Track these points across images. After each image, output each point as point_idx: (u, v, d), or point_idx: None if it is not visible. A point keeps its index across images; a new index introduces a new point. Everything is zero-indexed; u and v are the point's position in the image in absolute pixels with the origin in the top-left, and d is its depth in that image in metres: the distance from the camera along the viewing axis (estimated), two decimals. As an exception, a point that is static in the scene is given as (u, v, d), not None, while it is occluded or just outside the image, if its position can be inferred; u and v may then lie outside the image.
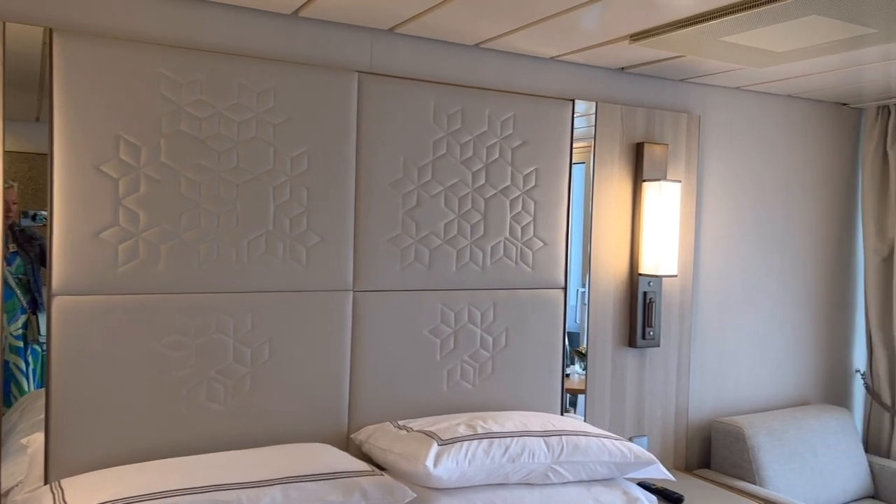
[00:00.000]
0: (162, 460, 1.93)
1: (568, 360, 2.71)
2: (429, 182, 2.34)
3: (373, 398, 2.29)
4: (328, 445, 2.10)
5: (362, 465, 1.95)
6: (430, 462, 1.94)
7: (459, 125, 2.38)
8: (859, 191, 3.36)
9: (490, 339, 2.49)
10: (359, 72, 2.23)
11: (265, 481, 1.78)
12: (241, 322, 2.08)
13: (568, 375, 2.72)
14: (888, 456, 3.16)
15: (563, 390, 2.64)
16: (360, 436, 2.22)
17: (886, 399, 3.19)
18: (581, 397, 2.72)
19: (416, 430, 2.12)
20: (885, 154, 3.22)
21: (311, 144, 2.15)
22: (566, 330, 2.69)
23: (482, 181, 2.44)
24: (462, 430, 2.09)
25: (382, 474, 1.93)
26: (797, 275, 3.22)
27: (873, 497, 3.04)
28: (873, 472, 3.06)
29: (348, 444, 2.26)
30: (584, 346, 2.72)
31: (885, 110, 3.20)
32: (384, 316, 2.29)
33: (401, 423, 2.23)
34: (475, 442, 2.05)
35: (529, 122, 2.51)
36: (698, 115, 2.90)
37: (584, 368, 2.73)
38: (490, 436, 2.09)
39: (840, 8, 1.86)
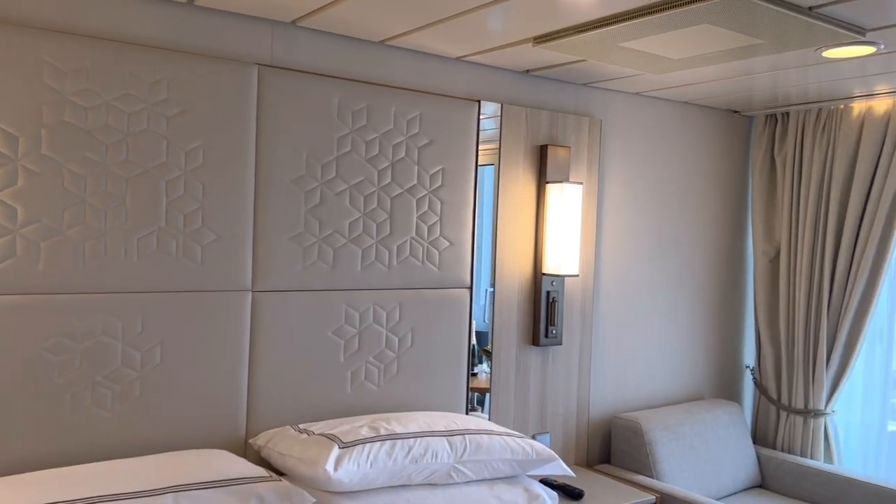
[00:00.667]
0: (43, 471, 1.80)
1: (476, 359, 2.73)
2: (333, 179, 2.30)
3: (273, 402, 2.23)
4: (224, 451, 2.02)
5: (259, 471, 1.89)
6: (330, 465, 1.90)
7: (365, 122, 2.35)
8: (749, 195, 3.53)
9: (395, 340, 2.47)
10: (259, 64, 2.16)
11: (155, 490, 1.70)
12: (130, 324, 1.98)
13: (476, 374, 2.73)
14: (774, 447, 3.33)
15: (469, 390, 2.65)
16: (259, 441, 2.15)
17: (773, 393, 3.37)
18: (488, 396, 2.74)
19: (318, 434, 2.07)
20: (773, 160, 3.40)
21: (208, 138, 2.07)
22: (475, 329, 2.70)
23: (388, 179, 2.41)
24: (364, 433, 2.06)
25: (280, 479, 1.88)
26: (692, 275, 3.35)
27: (760, 486, 3.20)
28: (760, 463, 3.22)
29: (246, 450, 2.19)
30: (486, 347, 2.74)
31: (772, 118, 3.38)
32: (285, 317, 2.23)
33: (302, 426, 2.18)
34: (377, 444, 2.02)
35: (436, 121, 2.50)
36: (600, 119, 2.97)
37: (487, 367, 2.75)
38: (393, 437, 2.07)
39: (730, 18, 1.94)
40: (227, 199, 2.11)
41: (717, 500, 2.96)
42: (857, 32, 2.06)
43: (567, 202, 2.74)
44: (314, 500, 1.88)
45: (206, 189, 2.07)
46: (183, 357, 2.06)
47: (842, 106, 3.12)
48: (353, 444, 1.99)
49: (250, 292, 2.17)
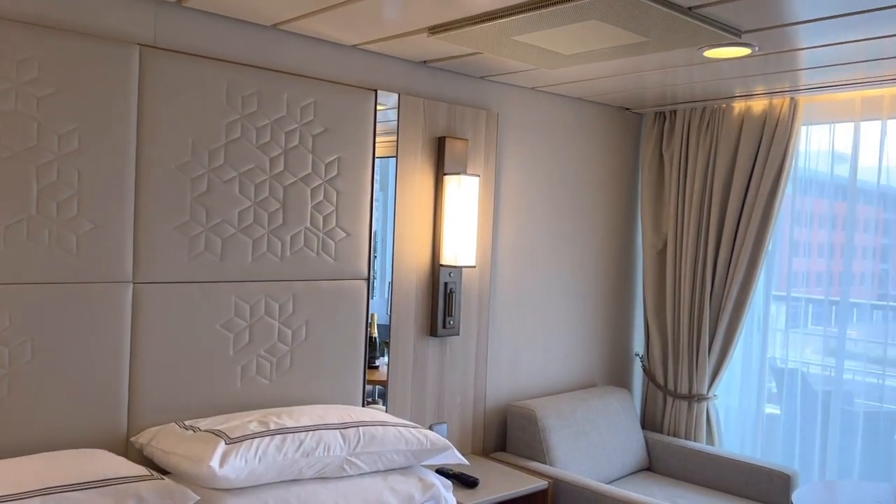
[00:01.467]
0: None
1: (378, 351, 2.71)
2: (221, 167, 2.22)
3: (156, 398, 2.13)
4: (101, 450, 1.92)
5: (139, 470, 1.81)
6: (215, 462, 1.84)
7: (255, 108, 2.28)
8: (639, 190, 3.67)
9: (289, 333, 2.41)
10: (141, 45, 2.06)
11: (22, 494, 1.59)
12: (-5, 318, 1.85)
13: (377, 367, 2.71)
14: (661, 431, 3.48)
15: (365, 382, 2.63)
16: (142, 439, 2.06)
17: (660, 379, 3.52)
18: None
19: (204, 430, 2.00)
20: (661, 156, 3.54)
21: (84, 121, 1.96)
22: (378, 322, 2.68)
23: (281, 168, 2.36)
24: (253, 427, 2.01)
25: (162, 478, 1.80)
26: (585, 267, 3.45)
27: (648, 469, 3.34)
28: (648, 446, 3.36)
29: (128, 449, 2.09)
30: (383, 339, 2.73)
31: (661, 116, 3.52)
32: (170, 309, 2.14)
33: (188, 423, 2.10)
34: (267, 438, 1.97)
35: (331, 109, 2.46)
36: (497, 113, 3.01)
37: (383, 359, 2.74)
38: (283, 431, 2.02)
39: (616, 15, 2.00)
40: (105, 185, 2.00)
41: (607, 483, 3.06)
42: (733, 34, 2.16)
43: (464, 194, 2.76)
44: (198, 499, 1.81)
45: (81, 175, 1.96)
46: (57, 352, 1.94)
47: (724, 105, 3.28)
48: (241, 439, 1.93)
49: (131, 284, 2.07)
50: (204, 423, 2.06)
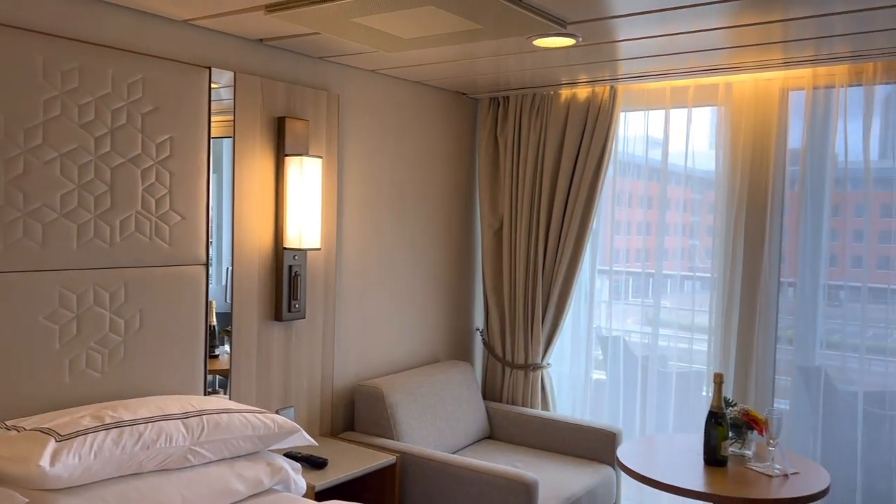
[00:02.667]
0: None
1: (218, 340, 2.63)
2: (40, 146, 2.06)
3: (-29, 399, 1.95)
4: None
5: (-45, 477, 1.65)
6: (44, 461, 1.72)
7: (77, 84, 2.13)
8: (477, 172, 3.81)
9: (122, 322, 2.29)
10: (-62, 10, 1.85)
11: None
12: None
13: (217, 356, 2.64)
14: (500, 400, 3.67)
15: (206, 371, 2.55)
16: (-45, 444, 1.88)
17: (499, 351, 3.70)
18: (220, 378, 2.66)
19: (30, 429, 1.87)
20: (496, 140, 3.70)
21: None
22: (217, 310, 2.60)
23: (107, 148, 2.22)
24: (87, 423, 1.90)
25: (-17, 483, 1.66)
26: (427, 247, 3.55)
27: (490, 437, 3.51)
28: (489, 415, 3.53)
29: (-62, 457, 1.89)
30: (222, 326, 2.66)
31: (495, 101, 3.68)
32: (-16, 302, 1.96)
33: (10, 423, 1.94)
34: (102, 433, 1.87)
35: (161, 87, 2.35)
36: (337, 94, 3.00)
37: (224, 348, 2.67)
38: (120, 425, 1.93)
39: (452, 2, 2.07)
40: None
41: (452, 453, 3.19)
42: (559, 24, 2.31)
43: (307, 176, 2.74)
44: (27, 501, 1.69)
45: None
46: None
47: (552, 92, 3.48)
48: (74, 435, 1.82)
49: (-64, 275, 1.87)
50: (29, 422, 1.92)
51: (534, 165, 3.54)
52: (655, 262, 3.49)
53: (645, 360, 3.56)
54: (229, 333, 2.65)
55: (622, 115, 3.45)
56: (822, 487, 2.36)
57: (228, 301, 2.64)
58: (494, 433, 3.51)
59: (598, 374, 3.81)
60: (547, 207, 3.51)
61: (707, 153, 3.35)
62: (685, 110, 3.31)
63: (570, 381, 3.77)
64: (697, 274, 3.48)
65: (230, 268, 2.64)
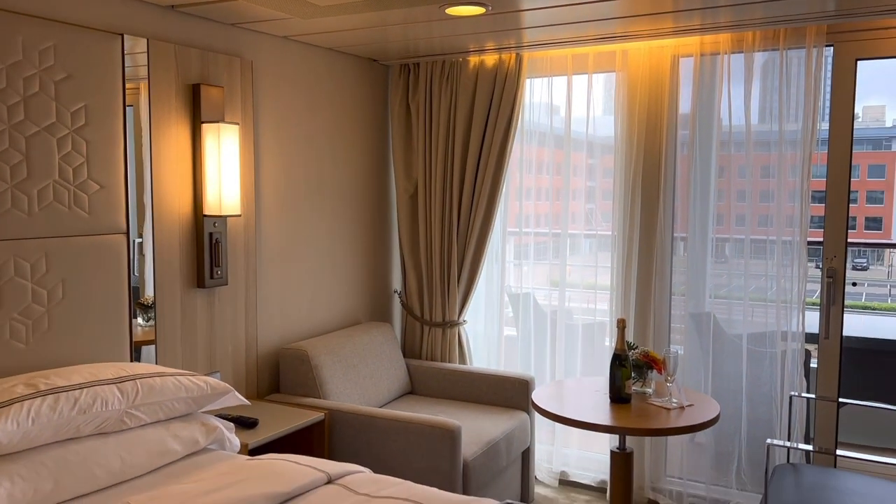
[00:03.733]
0: None
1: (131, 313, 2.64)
2: (-50, 116, 2.01)
3: None
4: None
5: None
6: (-17, 428, 1.74)
7: (-14, 51, 2.08)
8: (391, 138, 3.91)
9: (44, 293, 2.28)
10: None
11: None
12: None
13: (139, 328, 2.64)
14: (420, 357, 3.83)
15: (132, 339, 2.57)
16: None
17: (417, 311, 3.85)
18: (148, 349, 2.67)
19: (-40, 400, 1.86)
20: (408, 106, 3.80)
21: None
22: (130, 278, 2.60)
23: (21, 117, 2.18)
24: (21, 390, 1.91)
25: (-80, 454, 1.66)
26: (345, 212, 3.63)
27: (411, 392, 3.67)
28: (410, 372, 3.68)
29: None
30: (148, 296, 2.66)
31: (406, 68, 3.77)
32: None
33: (-64, 396, 1.92)
34: (38, 399, 1.89)
35: (74, 54, 2.31)
36: (251, 61, 3.02)
37: (148, 320, 2.69)
38: (56, 391, 1.95)
39: (369, -28, 2.15)
40: None
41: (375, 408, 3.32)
42: (471, -6, 2.43)
43: (224, 143, 2.76)
44: (-34, 469, 1.71)
45: None
46: None
47: (461, 59, 3.61)
48: (9, 402, 1.84)
49: None
50: (-43, 394, 1.91)
51: (446, 131, 3.66)
52: (561, 223, 3.71)
53: (553, 314, 3.80)
54: (141, 306, 2.65)
55: (528, 82, 3.62)
56: (713, 416, 2.65)
57: (136, 274, 2.62)
58: (416, 388, 3.67)
59: (509, 331, 4.03)
60: (459, 172, 3.65)
61: (607, 119, 3.57)
62: (586, 76, 3.51)
63: (484, 338, 3.97)
64: (599, 233, 3.73)
65: (136, 240, 2.62)
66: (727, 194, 3.26)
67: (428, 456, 2.77)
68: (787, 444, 2.49)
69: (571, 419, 2.62)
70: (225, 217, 2.87)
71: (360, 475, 2.09)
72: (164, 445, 2.16)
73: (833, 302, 3.02)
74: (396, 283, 4.04)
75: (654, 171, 3.35)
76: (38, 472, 1.85)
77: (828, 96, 3.07)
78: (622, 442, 2.87)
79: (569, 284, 3.75)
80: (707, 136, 3.29)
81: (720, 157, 3.26)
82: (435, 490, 1.99)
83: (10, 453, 1.84)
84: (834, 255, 3.02)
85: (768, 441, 2.32)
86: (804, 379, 3.14)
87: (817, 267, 3.19)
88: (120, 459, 2.03)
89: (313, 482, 1.98)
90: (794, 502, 2.29)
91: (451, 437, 2.74)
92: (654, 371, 2.90)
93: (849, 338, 3.90)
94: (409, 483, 2.03)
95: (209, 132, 2.76)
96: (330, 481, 2.03)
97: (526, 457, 3.43)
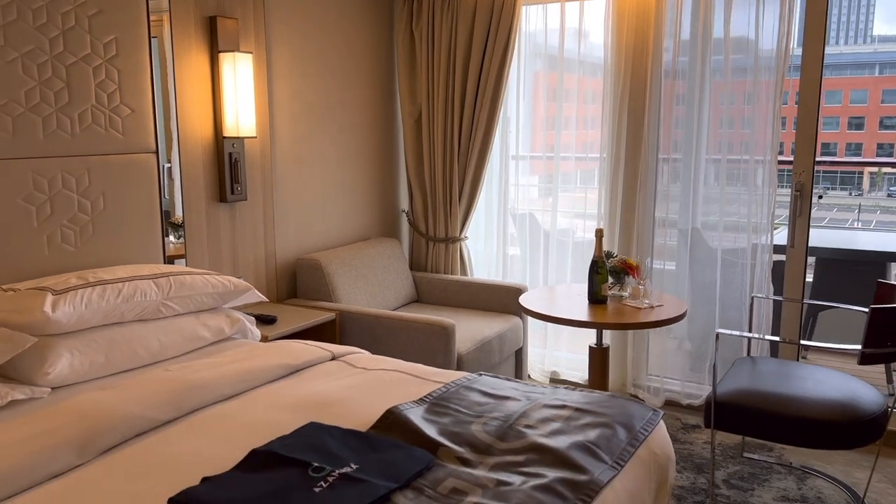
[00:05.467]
0: None
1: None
2: (2, 48, 2.32)
3: (-31, 268, 2.30)
4: (-72, 314, 2.10)
5: (-26, 323, 2.03)
6: (47, 308, 2.11)
7: (29, -11, 2.37)
8: (396, 65, 4.15)
9: (88, 204, 2.63)
10: None
11: None
12: None
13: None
14: (425, 270, 4.17)
15: (164, 245, 2.93)
16: (-39, 305, 2.24)
17: (423, 229, 4.17)
18: (178, 262, 3.03)
19: (26, 289, 2.23)
20: (412, 34, 4.03)
21: None
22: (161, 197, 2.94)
23: (61, 48, 2.49)
24: (74, 282, 2.28)
25: (1, 326, 2.04)
26: (355, 135, 3.92)
27: (416, 301, 4.03)
28: (416, 283, 4.03)
29: (-53, 316, 2.25)
30: (177, 216, 3.01)
31: (410, -2, 3.98)
32: (-30, 185, 2.28)
33: (6, 286, 2.30)
34: (89, 289, 2.26)
35: (103, -10, 2.60)
36: (263, -6, 3.27)
37: (178, 237, 3.04)
38: (103, 283, 2.31)
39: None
40: None
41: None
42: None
43: (239, 70, 3.05)
44: (35, 340, 2.09)
45: None
46: None
47: (461, -11, 3.81)
48: (66, 290, 2.20)
49: (-74, 163, 2.17)
50: (23, 285, 2.28)
51: (447, 58, 3.90)
52: (555, 146, 3.96)
53: (548, 232, 4.10)
54: (171, 225, 2.99)
55: (524, 9, 3.82)
56: (680, 313, 2.96)
57: (167, 197, 2.96)
58: (421, 297, 4.03)
59: (512, 250, 4.35)
60: (460, 97, 3.90)
61: (598, 44, 3.78)
62: (577, 3, 3.70)
63: (486, 256, 4.30)
64: (590, 155, 3.99)
65: (165, 165, 2.95)
66: (710, 118, 3.49)
67: (426, 351, 3.14)
68: (735, 333, 2.80)
69: (549, 315, 2.95)
70: (242, 138, 3.18)
71: (359, 355, 2.45)
72: (195, 332, 2.54)
73: (800, 214, 3.28)
74: (403, 203, 4.36)
75: (640, 94, 3.58)
76: (91, 348, 2.24)
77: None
78: (599, 338, 3.21)
79: (563, 205, 4.04)
80: (693, 60, 3.49)
81: (704, 81, 3.47)
82: (421, 365, 2.35)
83: (69, 332, 2.22)
84: (802, 171, 3.26)
85: (717, 331, 2.63)
86: (771, 285, 3.43)
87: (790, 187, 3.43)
88: (158, 342, 2.41)
89: (320, 358, 2.36)
90: (738, 384, 2.62)
91: (445, 333, 3.10)
92: (631, 277, 3.20)
93: (824, 249, 4.17)
94: (400, 360, 2.40)
95: (226, 60, 3.04)
96: (334, 358, 2.40)
97: (519, 356, 3.79)
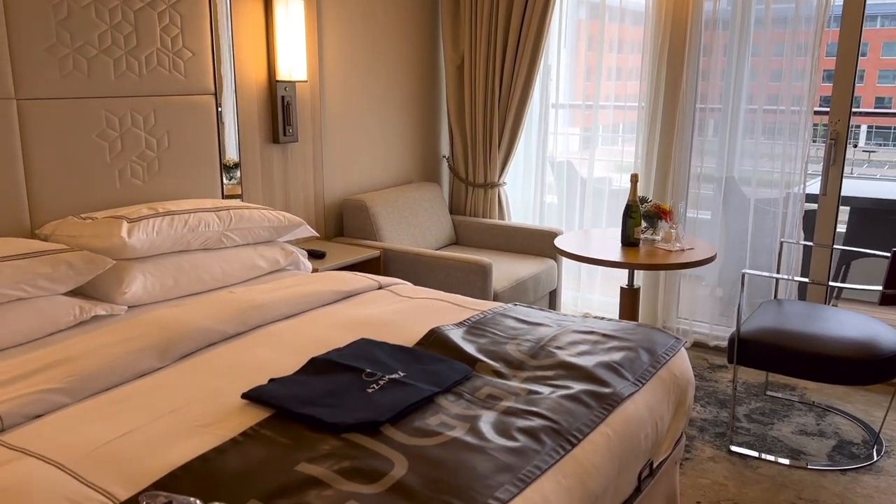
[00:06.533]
0: None
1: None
2: (78, -7, 2.51)
3: (51, 199, 2.53)
4: (20, 238, 2.33)
5: (62, 246, 2.26)
6: (124, 234, 2.33)
7: (101, -62, 2.54)
8: (440, 12, 4.25)
9: (154, 141, 2.83)
10: None
11: (-26, 263, 2.01)
12: None
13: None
14: (464, 214, 4.33)
15: (223, 181, 3.13)
16: (46, 231, 2.47)
17: (462, 174, 4.32)
18: (233, 201, 3.23)
19: (103, 218, 2.45)
20: (456, -17, 4.11)
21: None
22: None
23: (129, -6, 2.66)
24: (145, 212, 2.49)
25: (82, 250, 2.27)
26: (399, 81, 4.05)
27: (455, 243, 4.21)
28: (455, 226, 4.20)
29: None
30: (230, 157, 3.19)
31: (454, -54, 4.05)
32: (51, 122, 2.49)
33: (83, 216, 2.53)
34: (159, 218, 2.47)
35: (167, -61, 2.75)
36: (314, -58, 3.39)
37: (231, 178, 3.23)
38: (171, 213, 2.53)
39: None
40: (-22, 10, 2.24)
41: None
42: None
43: (292, 16, 3.19)
44: (114, 262, 2.32)
45: (-45, 0, 2.19)
46: (-40, 160, 2.27)
47: (505, -64, 3.87)
48: (139, 219, 2.42)
49: (14, 100, 2.38)
50: (100, 214, 2.51)
51: (490, 5, 3.98)
52: (595, 95, 4.05)
53: (584, 180, 4.21)
54: (226, 167, 3.18)
55: (567, -43, 3.87)
56: (709, 256, 3.08)
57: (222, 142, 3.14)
58: (460, 240, 4.20)
59: (550, 198, 4.47)
60: (502, 45, 3.99)
61: (640, -9, 3.82)
62: (622, -48, 3.74)
63: (523, 202, 4.43)
64: (628, 104, 4.06)
65: (218, 109, 3.12)
66: (750, 68, 3.54)
67: (464, 288, 3.32)
68: (761, 273, 2.91)
69: (582, 256, 3.09)
70: (294, 82, 3.34)
71: (403, 285, 2.65)
72: (253, 262, 2.75)
73: (833, 162, 3.35)
74: (444, 149, 4.50)
75: (680, 43, 3.63)
76: (161, 272, 2.46)
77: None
78: (630, 279, 3.35)
79: (600, 154, 4.14)
80: (734, 10, 3.52)
81: (745, 31, 3.51)
82: (460, 296, 2.53)
83: (142, 258, 2.44)
84: (838, 120, 3.31)
85: (744, 271, 2.76)
86: (802, 232, 3.51)
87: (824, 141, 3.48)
88: (220, 269, 2.63)
89: (368, 287, 2.55)
90: (763, 323, 2.75)
91: (483, 271, 3.27)
92: (663, 221, 3.32)
93: (857, 198, 4.21)
94: (441, 291, 2.58)
95: (279, 6, 3.19)
96: (380, 288, 2.60)
97: (553, 297, 3.96)
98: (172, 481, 1.33)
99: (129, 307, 2.39)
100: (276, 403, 1.60)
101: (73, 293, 2.32)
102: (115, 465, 1.40)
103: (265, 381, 1.75)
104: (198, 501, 1.22)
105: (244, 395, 1.66)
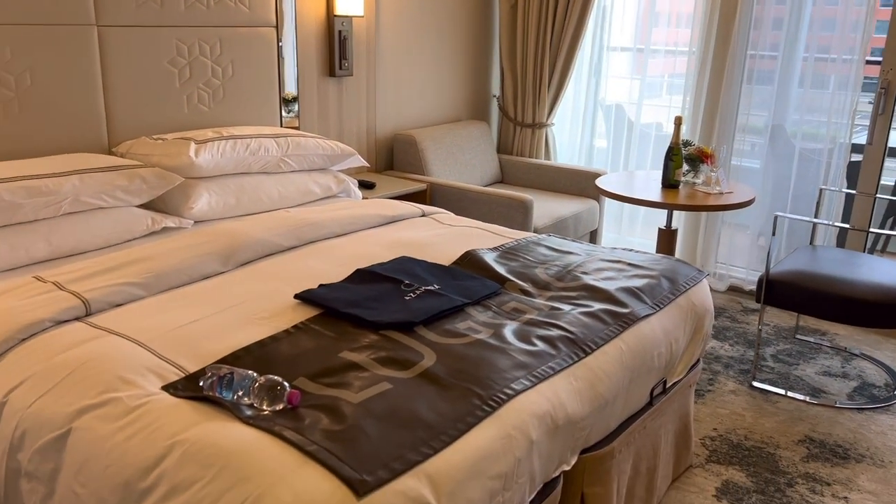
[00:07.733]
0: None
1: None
2: (152, -73, 2.68)
3: (128, 120, 2.75)
4: (100, 154, 2.57)
5: (136, 163, 2.49)
6: (192, 153, 2.54)
7: None
8: (496, -48, 4.29)
9: (220, 70, 3.02)
10: None
11: (63, 173, 2.25)
12: None
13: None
14: (511, 153, 4.45)
15: (281, 110, 3.32)
16: (121, 149, 2.71)
17: (511, 114, 4.41)
18: (290, 129, 3.41)
19: (172, 139, 2.67)
20: (513, -79, 4.14)
21: None
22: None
23: (199, -72, 2.82)
24: (211, 135, 2.70)
25: (154, 167, 2.50)
26: (452, 19, 4.14)
27: (501, 182, 4.34)
28: (501, 165, 4.33)
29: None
30: (288, 92, 3.36)
31: None
32: (127, 48, 2.70)
33: (155, 136, 2.75)
34: (223, 141, 2.68)
35: None
36: None
37: (288, 112, 3.41)
38: (234, 138, 2.73)
39: None
40: (64, -59, 2.44)
41: (471, 190, 4.02)
42: None
43: (350, -47, 3.31)
44: (182, 180, 2.54)
45: (44, -68, 2.39)
46: (49, 82, 2.50)
47: None
48: (205, 141, 2.63)
49: (95, 27, 2.59)
50: (169, 136, 2.72)
51: (545, -54, 4.01)
52: (647, 40, 4.06)
53: (633, 122, 4.27)
54: (284, 101, 3.36)
55: None
56: (746, 199, 3.15)
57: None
58: (505, 178, 4.33)
59: (598, 142, 4.54)
60: (556, -15, 4.03)
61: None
62: None
63: (570, 145, 4.52)
64: (679, 48, 4.07)
65: (280, 44, 3.28)
66: (803, 15, 3.52)
67: (505, 222, 3.46)
68: (795, 216, 2.97)
69: (620, 195, 3.20)
70: (350, 17, 3.48)
71: (445, 214, 2.81)
72: (307, 187, 2.95)
73: (882, 112, 3.34)
74: (495, 88, 4.59)
75: (734, -13, 3.62)
76: (225, 191, 2.68)
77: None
78: (669, 220, 3.45)
79: (650, 100, 4.17)
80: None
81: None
82: (498, 226, 2.68)
83: (207, 177, 2.66)
84: (890, 69, 3.29)
85: (776, 213, 2.83)
86: (845, 181, 3.53)
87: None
88: (277, 192, 2.84)
89: (412, 213, 2.73)
90: (795, 266, 2.83)
91: (524, 207, 3.41)
92: (705, 164, 3.39)
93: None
94: (479, 221, 2.73)
95: (338, -57, 3.31)
96: (423, 215, 2.77)
97: (594, 237, 4.08)
98: (234, 360, 1.55)
99: (195, 222, 2.62)
100: (325, 304, 1.80)
101: (146, 206, 2.56)
102: (186, 345, 1.63)
103: (316, 286, 1.95)
104: (255, 374, 1.43)
105: (297, 296, 1.86)
